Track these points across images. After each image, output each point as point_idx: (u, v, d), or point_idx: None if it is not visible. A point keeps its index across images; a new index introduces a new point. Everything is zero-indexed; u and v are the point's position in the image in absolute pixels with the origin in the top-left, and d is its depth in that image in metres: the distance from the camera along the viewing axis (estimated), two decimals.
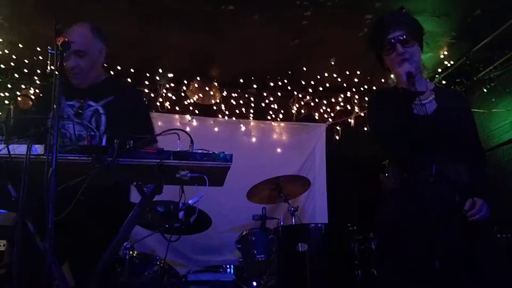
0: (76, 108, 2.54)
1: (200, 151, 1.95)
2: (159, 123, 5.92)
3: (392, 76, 2.55)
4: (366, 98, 6.32)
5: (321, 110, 6.43)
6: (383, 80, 6.00)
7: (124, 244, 3.68)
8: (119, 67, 5.61)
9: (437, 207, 2.10)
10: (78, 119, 2.47)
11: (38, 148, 1.83)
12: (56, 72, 1.82)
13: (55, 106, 1.78)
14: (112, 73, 5.58)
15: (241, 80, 6.10)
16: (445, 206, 2.11)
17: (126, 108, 2.60)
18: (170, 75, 5.90)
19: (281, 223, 4.85)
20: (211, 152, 1.96)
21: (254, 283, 4.18)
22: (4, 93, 5.52)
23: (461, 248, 2.07)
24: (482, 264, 2.07)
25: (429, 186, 2.14)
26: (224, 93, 6.18)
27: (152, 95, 6.00)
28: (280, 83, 6.13)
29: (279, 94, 6.23)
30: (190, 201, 1.98)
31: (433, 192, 2.12)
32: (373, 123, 2.51)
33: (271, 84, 6.13)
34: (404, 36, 2.31)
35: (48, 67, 1.89)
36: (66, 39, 1.82)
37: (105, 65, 5.26)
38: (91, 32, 2.66)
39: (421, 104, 2.30)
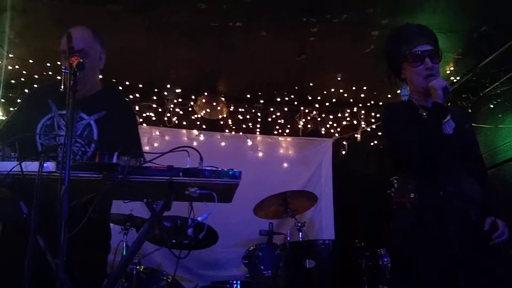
0: (67, 118, 2.51)
1: (209, 168, 1.96)
2: (166, 138, 5.97)
3: (407, 88, 2.49)
4: (373, 113, 6.35)
5: (328, 125, 6.45)
6: (389, 96, 6.02)
7: None
8: (127, 82, 5.66)
9: (455, 223, 2.10)
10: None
11: (50, 165, 1.84)
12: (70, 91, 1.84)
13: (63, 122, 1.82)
14: (120, 88, 5.65)
15: (248, 95, 6.14)
16: (463, 222, 2.12)
17: (117, 124, 2.55)
18: (178, 90, 5.95)
19: (288, 239, 4.84)
20: (220, 169, 1.97)
21: None
22: (14, 108, 5.56)
23: (481, 264, 2.07)
24: (501, 281, 2.08)
25: (447, 202, 2.14)
26: (231, 108, 6.22)
27: (160, 109, 6.05)
28: (286, 98, 6.16)
29: (285, 109, 6.27)
30: (199, 218, 1.99)
31: (452, 208, 2.12)
32: (391, 137, 2.43)
33: (278, 99, 6.17)
34: (433, 51, 2.30)
35: (62, 86, 1.91)
36: (81, 60, 1.83)
37: (113, 80, 5.47)
38: (92, 34, 2.64)
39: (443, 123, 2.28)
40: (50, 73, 5.27)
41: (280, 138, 6.35)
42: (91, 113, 2.54)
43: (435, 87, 2.19)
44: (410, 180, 2.29)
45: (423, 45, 2.29)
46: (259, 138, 6.29)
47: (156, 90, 5.94)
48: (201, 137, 6.11)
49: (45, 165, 1.83)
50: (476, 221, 2.12)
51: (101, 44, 2.72)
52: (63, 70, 1.92)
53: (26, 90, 5.52)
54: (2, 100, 5.54)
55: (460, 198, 2.15)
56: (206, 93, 6.01)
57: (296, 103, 6.27)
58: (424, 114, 2.32)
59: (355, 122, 6.41)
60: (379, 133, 6.37)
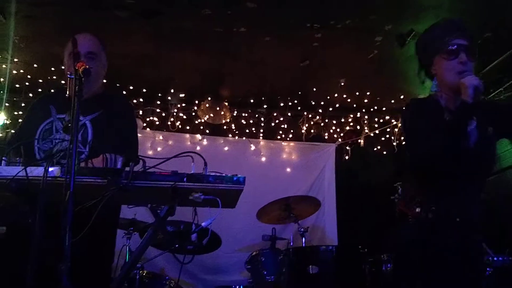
0: (65, 122, 2.49)
1: (213, 174, 1.96)
2: (170, 142, 5.98)
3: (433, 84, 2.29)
4: (376, 119, 6.36)
5: (331, 130, 6.46)
6: (392, 101, 6.02)
7: None
8: (131, 87, 5.68)
9: (454, 246, 2.04)
10: (67, 134, 2.46)
11: (55, 170, 1.85)
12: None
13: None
14: (124, 92, 5.66)
15: (252, 100, 6.16)
16: (462, 246, 2.06)
17: (113, 123, 2.56)
18: (182, 95, 5.96)
19: (291, 244, 4.83)
20: (224, 174, 1.97)
21: None
22: (18, 112, 5.61)
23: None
24: None
25: (448, 223, 2.07)
26: (235, 113, 6.23)
27: (164, 114, 6.08)
28: (290, 103, 6.19)
29: (289, 114, 6.29)
30: (203, 224, 1.99)
31: (452, 231, 2.05)
32: (412, 136, 2.22)
33: (281, 104, 6.19)
34: (470, 47, 2.15)
35: (68, 92, 1.92)
36: (87, 66, 1.84)
37: (117, 84, 5.48)
38: (99, 40, 2.73)
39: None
40: (54, 77, 5.30)
41: (283, 143, 6.34)
42: (87, 114, 2.55)
43: (466, 84, 1.97)
44: (416, 190, 2.21)
45: (459, 39, 2.14)
46: (262, 143, 6.29)
47: (159, 94, 5.97)
48: (205, 142, 6.11)
49: (50, 170, 1.83)
50: (473, 244, 2.07)
51: (106, 51, 2.77)
52: (68, 76, 1.92)
53: (31, 94, 5.57)
54: (7, 104, 5.58)
55: (461, 220, 2.06)
56: (209, 98, 6.02)
57: (299, 108, 6.29)
58: (447, 119, 2.11)
59: (358, 127, 6.42)
60: (382, 139, 6.37)
